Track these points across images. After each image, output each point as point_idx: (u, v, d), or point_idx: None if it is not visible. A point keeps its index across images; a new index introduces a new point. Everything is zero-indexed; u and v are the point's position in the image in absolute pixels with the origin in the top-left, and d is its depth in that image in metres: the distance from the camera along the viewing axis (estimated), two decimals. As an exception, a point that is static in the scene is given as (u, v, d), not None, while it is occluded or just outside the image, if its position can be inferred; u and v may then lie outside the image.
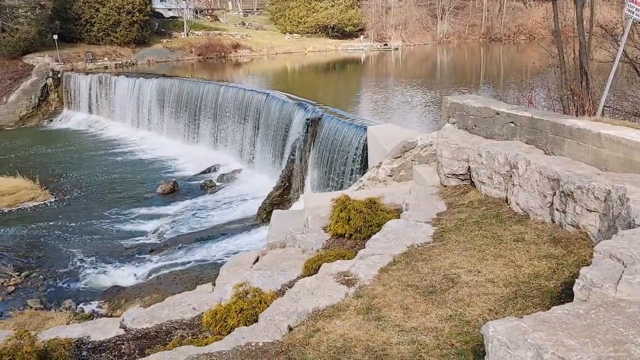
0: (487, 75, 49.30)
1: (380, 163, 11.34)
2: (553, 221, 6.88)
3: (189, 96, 30.94)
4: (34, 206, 22.01)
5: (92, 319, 12.87)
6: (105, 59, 47.93)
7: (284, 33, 67.08)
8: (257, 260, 10.32)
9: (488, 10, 78.80)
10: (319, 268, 7.78)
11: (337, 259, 7.86)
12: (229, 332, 6.44)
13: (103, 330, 6.74)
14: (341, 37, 66.85)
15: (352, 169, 15.39)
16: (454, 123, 11.07)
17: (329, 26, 65.82)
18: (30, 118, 40.59)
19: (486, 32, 77.57)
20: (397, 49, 63.65)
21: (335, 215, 9.23)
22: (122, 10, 49.97)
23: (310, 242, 9.20)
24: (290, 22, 66.12)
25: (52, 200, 22.65)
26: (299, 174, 18.07)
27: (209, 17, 72.00)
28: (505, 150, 8.30)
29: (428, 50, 71.36)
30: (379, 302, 5.43)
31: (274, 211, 11.47)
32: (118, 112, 37.77)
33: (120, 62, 47.96)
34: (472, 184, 9.20)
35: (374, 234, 9.02)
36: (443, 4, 74.35)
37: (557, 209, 6.76)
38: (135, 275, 15.59)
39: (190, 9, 65.17)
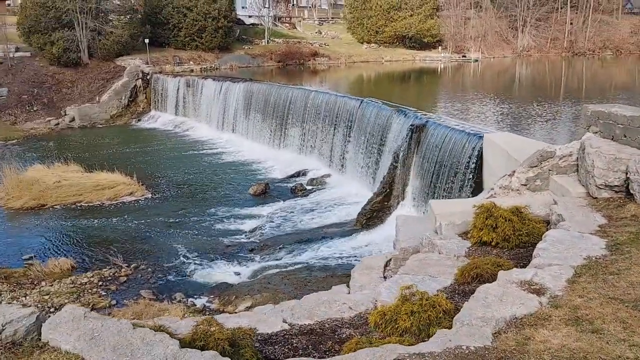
0: (568, 90, 47.54)
1: (514, 172, 10.91)
2: None
3: (276, 101, 31.30)
4: (133, 201, 22.77)
5: (204, 314, 13.11)
6: (191, 62, 49.44)
7: (361, 42, 67.19)
8: (387, 264, 10.16)
9: (571, 24, 76.08)
10: (476, 276, 7.52)
11: (496, 267, 7.55)
12: (401, 335, 6.27)
13: (267, 323, 6.70)
14: (419, 48, 66.23)
15: (463, 178, 14.97)
16: (596, 132, 10.51)
17: (406, 36, 65.39)
18: (120, 117, 42.34)
19: (569, 46, 74.89)
20: (477, 60, 62.48)
21: (479, 222, 8.90)
22: (208, 16, 51.43)
23: (451, 249, 8.91)
24: (368, 31, 66.12)
25: (149, 196, 23.36)
26: (400, 181, 17.81)
27: (287, 24, 73.12)
28: (679, 162, 7.75)
29: (507, 62, 69.57)
30: (585, 314, 5.09)
31: (400, 216, 11.26)
32: (204, 114, 38.76)
33: (204, 67, 49.32)
34: (631, 196, 8.65)
35: (523, 244, 8.67)
36: (524, 16, 72.38)
37: None
38: (239, 273, 15.74)
39: (270, 16, 66.37)
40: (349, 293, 9.05)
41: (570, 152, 10.53)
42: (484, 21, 71.23)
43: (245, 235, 18.67)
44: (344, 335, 6.44)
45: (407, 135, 17.89)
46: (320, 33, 73.19)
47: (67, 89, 42.94)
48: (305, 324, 6.80)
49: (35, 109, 40.59)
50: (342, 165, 24.50)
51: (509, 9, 73.01)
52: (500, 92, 41.03)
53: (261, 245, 17.52)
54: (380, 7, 65.00)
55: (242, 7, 67.50)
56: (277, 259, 16.25)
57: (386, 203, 17.82)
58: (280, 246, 17.16)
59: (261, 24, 65.20)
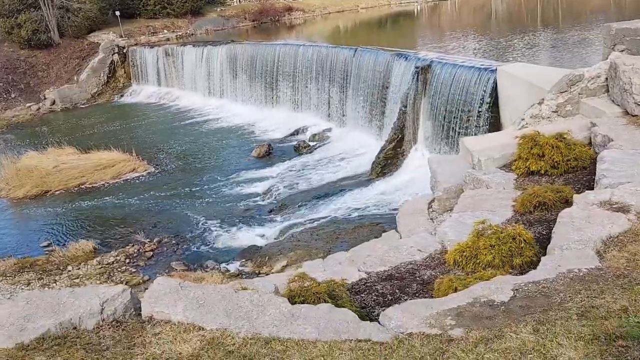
0: (544, 20, 47.49)
1: (543, 99, 10.82)
2: None
3: (263, 60, 30.63)
4: (136, 177, 22.43)
5: (240, 277, 13.09)
6: (165, 31, 48.05)
7: (334, -9, 65.67)
8: (430, 205, 10.14)
9: (542, -49, 75.03)
10: (538, 205, 7.51)
11: (556, 193, 7.54)
12: (484, 268, 6.26)
13: (343, 274, 6.65)
14: (392, -8, 64.97)
15: (479, 114, 14.86)
16: (623, 50, 10.41)
17: (379, -19, 64.00)
18: (101, 95, 41.30)
19: (542, -26, 73.96)
20: (453, -2, 61.52)
21: (524, 152, 8.86)
22: (176, -19, 49.78)
23: (499, 182, 8.88)
24: (341, -21, 64.56)
25: (152, 170, 23.01)
26: (411, 126, 17.67)
27: (256, -19, 71.08)
28: None
29: (483, -2, 68.79)
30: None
31: (432, 156, 11.24)
32: (188, 82, 37.94)
33: (180, 34, 48.00)
34: (672, 110, 8.64)
35: (572, 169, 8.67)
36: (495, -52, 71.07)
37: None
38: (263, 235, 15.69)
39: (237, -25, 64.43)
40: (400, 238, 9.05)
41: (598, 74, 10.44)
42: (455, -43, 69.87)
43: (260, 198, 18.55)
44: (425, 277, 6.42)
45: (413, 78, 17.65)
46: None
47: (43, 72, 41.63)
48: (381, 271, 6.77)
49: (13, 96, 39.44)
50: (342, 118, 24.26)
51: (479, -58, 71.64)
52: (484, 27, 40.75)
53: (279, 205, 17.44)
54: (350, -47, 63.34)
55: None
56: (299, 217, 16.20)
57: (399, 149, 17.73)
58: (299, 204, 17.10)
59: (230, -16, 63.30)
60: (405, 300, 5.79)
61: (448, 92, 16.25)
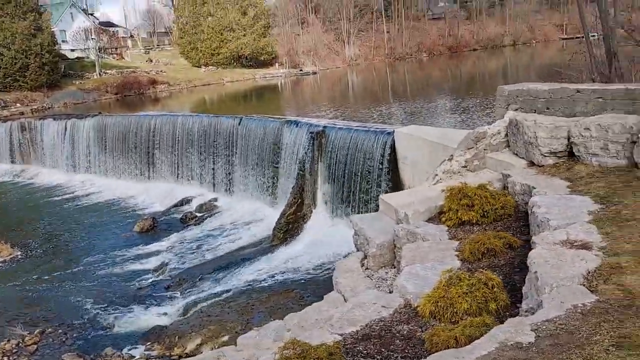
0: (394, 91, 52.25)
1: (452, 156, 11.45)
2: None
3: (137, 131, 29.45)
4: (1, 262, 19.76)
5: None
6: (18, 105, 44.59)
7: (198, 66, 66.19)
8: (362, 261, 10.03)
9: (388, 32, 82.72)
10: (487, 251, 7.71)
11: (499, 239, 7.82)
12: (462, 317, 6.18)
13: (313, 338, 6.17)
14: (257, 67, 67.11)
15: (380, 174, 15.35)
16: (516, 109, 11.46)
17: (243, 56, 65.82)
18: (-58, 176, 36.54)
19: (390, 53, 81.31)
20: (315, 73, 64.96)
21: (455, 203, 9.16)
22: (29, 53, 46.95)
23: (434, 234, 9.04)
24: (204, 54, 65.43)
25: (19, 255, 20.41)
26: (310, 190, 17.74)
27: (115, 55, 69.41)
28: (620, 120, 8.74)
29: (340, 73, 73.49)
30: (648, 255, 5.48)
31: (356, 216, 11.18)
32: (49, 158, 35.11)
33: (35, 107, 44.80)
34: (574, 159, 9.55)
35: (500, 217, 9.10)
36: (348, 28, 77.07)
37: None
38: (166, 313, 14.42)
39: (95, 48, 62.46)
40: (345, 299, 8.77)
41: (498, 131, 11.33)
42: (313, 36, 74.50)
43: (154, 274, 17.20)
44: (404, 332, 6.17)
45: (309, 143, 17.89)
46: (151, 61, 70.70)
47: None
48: (353, 331, 6.40)
49: None
50: (229, 187, 23.75)
51: (333, 23, 77.24)
52: (344, 98, 43.49)
53: (177, 280, 16.26)
54: (213, 29, 64.74)
55: (63, 41, 62.67)
56: (202, 291, 15.18)
57: (299, 213, 17.62)
58: (200, 277, 16.08)
59: (87, 57, 61.09)
60: (397, 359, 5.49)
61: (346, 155, 16.67)
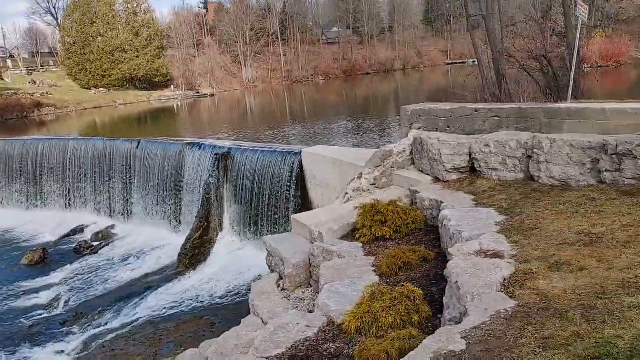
0: (294, 112, 53.09)
1: (361, 174, 11.67)
2: (603, 182, 8.02)
3: (22, 157, 27.41)
4: None
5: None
6: None
7: (87, 88, 63.09)
8: (278, 282, 9.88)
9: (285, 55, 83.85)
10: (403, 265, 7.89)
11: (413, 253, 8.04)
12: (386, 332, 6.24)
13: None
14: (151, 89, 65.18)
15: (288, 195, 15.32)
16: (420, 128, 11.97)
17: (136, 78, 63.66)
18: None
19: (287, 75, 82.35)
20: (213, 95, 64.15)
21: (368, 220, 9.32)
22: None
23: (349, 252, 9.11)
24: (94, 76, 62.52)
25: None
26: (216, 213, 17.30)
27: (-8, 76, 64.45)
28: (515, 137, 9.38)
29: (238, 95, 73.19)
30: (557, 260, 5.86)
31: (269, 237, 11.00)
32: None
33: None
34: (475, 174, 10.10)
35: (412, 231, 9.38)
36: (245, 51, 77.16)
37: (606, 171, 7.92)
38: (63, 351, 13.32)
39: (-31, 68, 57.66)
40: (263, 321, 8.57)
41: (404, 149, 11.74)
42: (209, 58, 73.73)
43: (46, 310, 15.88)
44: (332, 350, 6.12)
45: (213, 165, 17.51)
46: (35, 83, 66.38)
47: None
48: (279, 353, 6.25)
49: None
50: (128, 214, 22.65)
51: (230, 46, 76.97)
52: (243, 120, 43.43)
53: (74, 314, 15.14)
54: (103, 50, 62.13)
55: None
56: (103, 324, 14.21)
57: (206, 237, 17.10)
58: (100, 309, 15.08)
59: (-40, 78, 56.19)
60: (328, 377, 5.41)
61: (252, 177, 16.50)
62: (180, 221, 19.57)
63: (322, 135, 25.37)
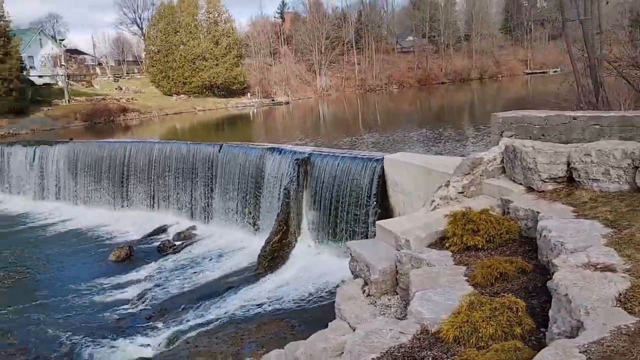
0: (369, 120, 52.96)
1: (449, 182, 11.42)
2: None
3: (111, 159, 28.86)
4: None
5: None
6: (-18, 131, 43.34)
7: (169, 95, 65.74)
8: (363, 288, 9.81)
9: (359, 64, 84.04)
10: (500, 276, 7.59)
11: (510, 264, 7.74)
12: (487, 343, 6.02)
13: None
14: (228, 96, 67.06)
15: (368, 202, 15.25)
16: (511, 136, 11.57)
17: (215, 85, 65.72)
18: None
19: (361, 84, 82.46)
20: (287, 103, 65.21)
21: (459, 229, 9.06)
22: (-4, 78, 45.88)
23: (439, 260, 8.89)
24: (175, 83, 65.09)
25: (-14, 285, 19.46)
26: (295, 217, 17.49)
27: (83, 82, 68.45)
28: (621, 146, 8.87)
29: (312, 103, 74.06)
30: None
31: (353, 242, 10.94)
32: (15, 185, 34.07)
33: (1, 134, 43.54)
34: (574, 184, 9.63)
35: (505, 242, 9.04)
36: (319, 60, 77.97)
37: None
38: (149, 345, 13.82)
39: (64, 75, 61.53)
40: (350, 326, 8.51)
41: (494, 157, 11.37)
42: (285, 66, 75.10)
43: (133, 305, 16.54)
44: (430, 359, 5.96)
45: (294, 170, 17.73)
46: (121, 89, 69.96)
47: None
48: (374, 358, 6.16)
49: None
50: (208, 215, 23.31)
51: (305, 54, 78.09)
52: (321, 128, 43.75)
53: (159, 310, 15.68)
54: (185, 57, 64.59)
55: (30, 67, 61.53)
56: (187, 321, 14.64)
57: (285, 241, 17.31)
58: (183, 306, 15.55)
59: (56, 84, 60.06)
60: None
61: (332, 183, 16.54)
62: (258, 224, 19.91)
63: (402, 143, 25.18)
